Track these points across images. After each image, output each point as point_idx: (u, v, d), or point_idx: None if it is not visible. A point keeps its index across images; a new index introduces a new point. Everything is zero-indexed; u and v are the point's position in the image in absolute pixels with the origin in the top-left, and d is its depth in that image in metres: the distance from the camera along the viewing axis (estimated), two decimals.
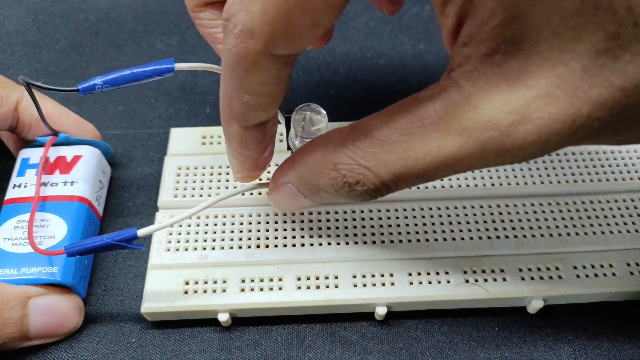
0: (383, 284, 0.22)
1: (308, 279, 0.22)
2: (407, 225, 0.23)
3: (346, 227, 0.23)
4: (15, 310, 0.20)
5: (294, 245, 0.23)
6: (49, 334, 0.21)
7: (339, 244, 0.23)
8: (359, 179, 0.17)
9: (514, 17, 0.14)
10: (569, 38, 0.14)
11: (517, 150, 0.16)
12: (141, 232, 0.19)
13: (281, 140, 0.26)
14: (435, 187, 0.24)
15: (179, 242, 0.23)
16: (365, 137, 0.17)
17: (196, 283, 0.22)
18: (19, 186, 0.23)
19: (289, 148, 0.23)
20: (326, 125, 0.21)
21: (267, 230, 0.23)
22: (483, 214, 0.23)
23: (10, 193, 0.23)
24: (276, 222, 0.23)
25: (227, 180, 0.24)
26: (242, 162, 0.20)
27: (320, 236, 0.23)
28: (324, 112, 0.21)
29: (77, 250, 0.19)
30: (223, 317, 0.21)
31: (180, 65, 0.21)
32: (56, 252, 0.19)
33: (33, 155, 0.24)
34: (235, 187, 0.24)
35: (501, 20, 0.14)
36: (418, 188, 0.24)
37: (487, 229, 0.23)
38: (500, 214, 0.23)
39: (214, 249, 0.22)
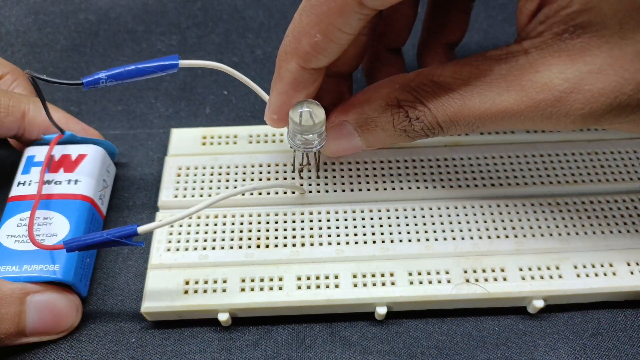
0: (383, 284, 0.22)
1: (308, 278, 0.22)
2: (407, 225, 0.23)
3: (346, 227, 0.23)
4: (12, 306, 0.20)
5: (294, 245, 0.23)
6: (46, 332, 0.21)
7: (339, 244, 0.23)
8: (419, 115, 0.20)
9: (588, 7, 0.17)
10: (630, 28, 0.17)
11: (562, 116, 0.18)
12: (141, 229, 0.19)
13: (281, 141, 0.26)
14: (435, 187, 0.24)
15: (179, 242, 0.23)
16: (429, 81, 0.20)
17: (196, 283, 0.22)
18: (24, 184, 0.23)
19: (291, 146, 0.23)
20: (324, 119, 0.21)
21: (267, 230, 0.23)
22: (483, 214, 0.23)
23: (15, 190, 0.23)
24: (276, 222, 0.23)
25: (227, 181, 0.24)
26: (283, 103, 0.21)
27: (320, 236, 0.23)
28: (321, 106, 0.21)
29: (76, 246, 0.19)
30: (223, 317, 0.21)
31: (184, 62, 0.21)
32: (55, 246, 0.19)
33: (38, 153, 0.24)
34: (235, 187, 0.24)
35: (576, 9, 0.17)
36: (418, 188, 0.24)
37: (487, 229, 0.23)
38: (500, 214, 0.23)
39: (214, 249, 0.22)
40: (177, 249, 0.22)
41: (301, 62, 0.19)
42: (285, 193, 0.24)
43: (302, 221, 0.23)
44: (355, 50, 0.22)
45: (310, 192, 0.24)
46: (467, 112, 0.19)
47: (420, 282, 0.22)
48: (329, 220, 0.23)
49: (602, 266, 0.22)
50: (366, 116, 0.20)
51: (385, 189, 0.24)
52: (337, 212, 0.23)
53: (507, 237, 0.23)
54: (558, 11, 0.18)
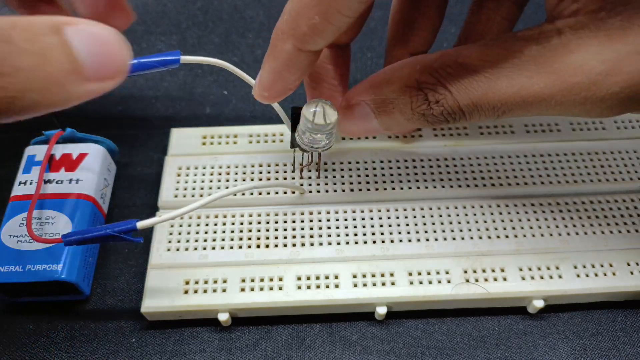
0: (383, 284, 0.22)
1: (308, 278, 0.22)
2: (407, 225, 0.23)
3: (346, 227, 0.23)
4: (51, 35, 0.14)
5: (294, 245, 0.23)
6: (105, 68, 0.15)
7: (339, 244, 0.23)
8: (439, 98, 0.18)
9: None
10: None
11: (598, 101, 0.17)
12: (141, 224, 0.19)
13: (281, 141, 0.26)
14: (435, 187, 0.24)
15: (179, 241, 0.23)
16: (453, 63, 0.18)
17: (196, 283, 0.22)
18: (25, 183, 0.23)
19: (292, 146, 0.23)
20: (337, 120, 0.21)
21: (267, 230, 0.23)
22: (483, 214, 0.23)
23: (16, 190, 0.23)
24: (276, 222, 0.23)
25: (227, 181, 0.24)
26: (274, 82, 0.20)
27: (320, 236, 0.23)
28: (334, 107, 0.21)
29: (75, 240, 0.19)
30: (223, 317, 0.21)
31: (186, 58, 0.20)
32: (54, 240, 0.19)
33: (39, 152, 0.24)
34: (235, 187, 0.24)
35: None
36: (418, 188, 0.24)
37: (487, 229, 0.23)
38: (500, 214, 0.23)
39: (214, 248, 0.22)
40: (177, 249, 0.22)
41: (297, 43, 0.18)
42: (285, 193, 0.24)
43: (302, 221, 0.23)
44: (355, 21, 0.20)
45: (310, 192, 0.24)
46: (492, 96, 0.18)
47: (420, 282, 0.22)
48: (329, 220, 0.23)
49: (602, 266, 0.22)
50: (384, 97, 0.19)
51: (385, 189, 0.24)
52: (337, 212, 0.23)
53: (507, 237, 0.23)
54: None
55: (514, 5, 0.22)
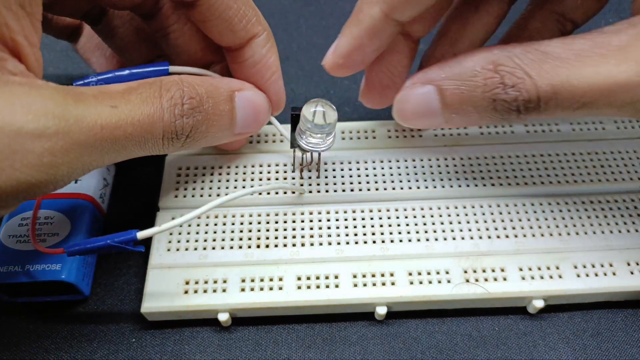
0: (383, 284, 0.22)
1: (308, 278, 0.22)
2: (407, 225, 0.23)
3: (346, 227, 0.23)
4: (227, 103, 0.20)
5: (294, 245, 0.23)
6: (248, 127, 0.21)
7: (339, 244, 0.23)
8: (517, 82, 0.17)
9: None
10: None
11: None
12: (141, 234, 0.19)
13: (282, 141, 0.26)
14: (435, 187, 0.24)
15: (179, 242, 0.23)
16: (534, 50, 0.17)
17: (196, 283, 0.22)
18: None
19: (292, 146, 0.23)
20: (336, 120, 0.21)
21: (267, 230, 0.23)
22: (483, 214, 0.23)
23: None
24: (276, 222, 0.23)
25: (228, 181, 0.24)
26: (353, 50, 0.20)
27: (320, 236, 0.23)
28: (334, 107, 0.21)
29: (77, 250, 0.19)
30: (223, 317, 0.21)
31: (174, 68, 0.21)
32: (56, 250, 0.20)
33: None
34: (235, 188, 0.24)
35: None
36: (418, 188, 0.24)
37: (487, 229, 0.23)
38: (500, 214, 0.23)
39: (214, 249, 0.22)
40: (177, 249, 0.22)
41: (386, 8, 0.18)
42: (285, 193, 0.24)
43: (302, 221, 0.23)
44: (435, 13, 0.21)
45: (310, 192, 0.24)
46: (576, 83, 0.17)
47: (420, 282, 0.22)
48: (329, 220, 0.23)
49: (602, 266, 0.22)
50: (454, 77, 0.18)
51: (385, 189, 0.24)
52: (337, 212, 0.23)
53: (507, 237, 0.23)
54: None
55: (560, 34, 0.22)
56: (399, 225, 0.23)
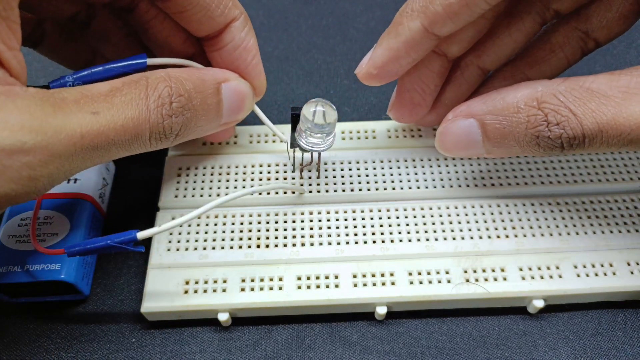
0: (383, 284, 0.22)
1: (308, 278, 0.22)
2: (407, 225, 0.23)
3: (346, 227, 0.23)
4: (214, 96, 0.20)
5: (294, 245, 0.23)
6: (234, 117, 0.21)
7: (339, 243, 0.23)
8: (561, 120, 0.17)
9: None
10: None
11: None
12: (141, 234, 0.19)
13: (282, 141, 0.26)
14: (435, 187, 0.24)
15: (179, 242, 0.23)
16: (579, 87, 0.18)
17: (196, 283, 0.22)
18: None
19: (292, 146, 0.23)
20: (336, 120, 0.21)
21: (267, 230, 0.23)
22: (483, 214, 0.23)
23: None
24: (276, 222, 0.23)
25: (227, 181, 0.24)
26: (388, 60, 0.20)
27: (320, 236, 0.23)
28: (334, 107, 0.21)
29: (77, 251, 0.19)
30: (223, 317, 0.21)
31: (152, 61, 0.20)
32: (57, 251, 0.20)
33: None
34: (235, 188, 0.24)
35: None
36: (418, 188, 0.24)
37: (487, 229, 0.23)
38: (500, 214, 0.23)
39: (214, 248, 0.22)
40: (177, 249, 0.22)
41: (426, 22, 0.18)
42: (285, 193, 0.24)
43: (302, 221, 0.23)
44: (473, 33, 0.21)
45: (310, 192, 0.24)
46: (623, 121, 0.17)
47: (420, 282, 0.22)
48: (329, 220, 0.23)
49: (602, 266, 0.22)
50: (496, 112, 0.19)
51: (385, 189, 0.24)
52: (337, 212, 0.23)
53: (507, 237, 0.23)
54: None
55: (581, 51, 0.23)
56: (399, 225, 0.23)
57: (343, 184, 0.24)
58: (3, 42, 0.15)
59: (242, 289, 0.21)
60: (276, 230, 0.23)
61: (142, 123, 0.17)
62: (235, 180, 0.24)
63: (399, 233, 0.23)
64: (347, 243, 0.23)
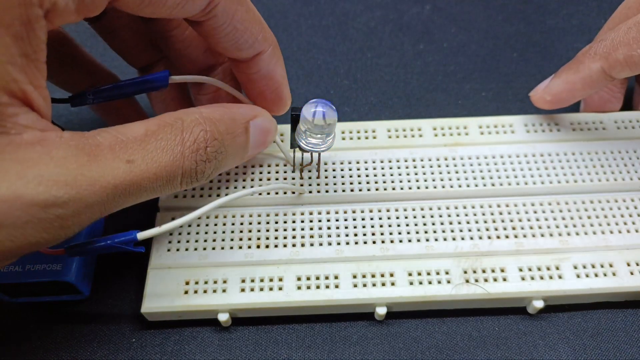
0: (383, 284, 0.22)
1: (308, 279, 0.22)
2: (407, 225, 0.23)
3: (346, 227, 0.23)
4: (242, 135, 0.20)
5: (294, 245, 0.23)
6: (257, 150, 0.22)
7: (339, 244, 0.23)
8: None
9: None
10: None
11: None
12: (141, 235, 0.19)
13: (282, 140, 0.26)
14: (435, 187, 0.24)
15: (179, 242, 0.23)
16: None
17: (196, 283, 0.22)
18: None
19: (292, 146, 0.23)
20: (336, 120, 0.21)
21: (267, 230, 0.23)
22: (483, 214, 0.23)
23: None
24: (276, 222, 0.23)
25: (228, 181, 0.24)
26: (564, 91, 0.23)
27: (320, 236, 0.23)
28: (334, 107, 0.21)
29: (77, 251, 0.19)
30: (223, 317, 0.21)
31: (174, 78, 0.21)
32: (57, 251, 0.20)
33: None
34: (235, 188, 0.24)
35: None
36: (418, 188, 0.24)
37: (487, 229, 0.23)
38: (501, 214, 0.23)
39: (214, 249, 0.22)
40: (177, 249, 0.22)
41: (606, 67, 0.21)
42: (285, 193, 0.24)
43: (302, 221, 0.23)
44: None
45: (310, 192, 0.24)
46: None
47: (420, 282, 0.22)
48: (329, 220, 0.23)
49: (602, 266, 0.22)
50: None
51: (385, 189, 0.24)
52: (337, 212, 0.23)
53: (507, 237, 0.23)
54: None
55: None
56: (399, 225, 0.23)
57: (343, 184, 0.24)
58: (31, 82, 0.15)
59: (242, 289, 0.21)
60: (276, 230, 0.23)
61: (175, 170, 0.17)
62: (235, 181, 0.24)
63: (399, 233, 0.23)
64: (347, 243, 0.23)
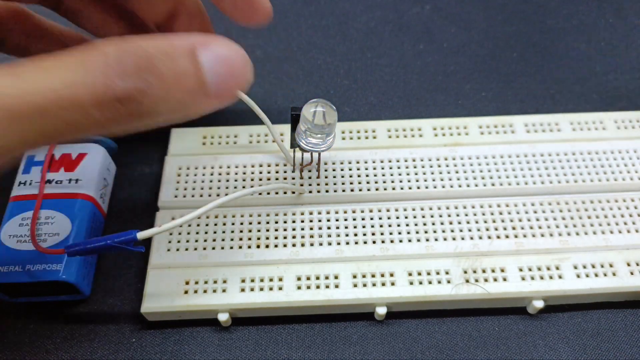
0: (383, 284, 0.22)
1: (308, 279, 0.22)
2: (407, 225, 0.23)
3: (346, 227, 0.23)
4: (185, 60, 0.16)
5: (293, 245, 0.23)
6: (228, 90, 0.17)
7: (339, 244, 0.23)
8: None
9: None
10: None
11: None
12: (141, 234, 0.19)
13: (282, 140, 0.26)
14: (435, 187, 0.24)
15: (179, 241, 0.23)
16: None
17: (196, 283, 0.22)
18: (24, 183, 0.23)
19: (292, 146, 0.23)
20: (336, 120, 0.21)
21: (267, 230, 0.23)
22: (483, 214, 0.23)
23: (16, 190, 0.23)
24: (276, 222, 0.23)
25: (227, 181, 0.24)
26: None
27: (320, 236, 0.23)
28: (334, 107, 0.21)
29: (77, 251, 0.19)
30: (223, 317, 0.21)
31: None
32: (57, 251, 0.20)
33: (38, 152, 0.24)
34: (235, 188, 0.24)
35: None
36: (418, 188, 0.24)
37: (487, 229, 0.23)
38: (501, 214, 0.23)
39: (214, 249, 0.22)
40: (177, 249, 0.22)
41: None
42: (285, 193, 0.24)
43: (302, 221, 0.23)
44: None
45: (310, 192, 0.24)
46: None
47: (420, 282, 0.22)
48: (328, 220, 0.23)
49: (602, 266, 0.22)
50: None
51: (385, 189, 0.24)
52: (337, 212, 0.23)
53: (507, 237, 0.23)
54: None
55: None
56: (399, 225, 0.23)
57: (343, 184, 0.24)
58: None
59: (242, 289, 0.21)
60: (276, 230, 0.23)
61: (79, 87, 0.14)
62: (235, 181, 0.24)
63: (399, 233, 0.23)
64: (347, 243, 0.23)
